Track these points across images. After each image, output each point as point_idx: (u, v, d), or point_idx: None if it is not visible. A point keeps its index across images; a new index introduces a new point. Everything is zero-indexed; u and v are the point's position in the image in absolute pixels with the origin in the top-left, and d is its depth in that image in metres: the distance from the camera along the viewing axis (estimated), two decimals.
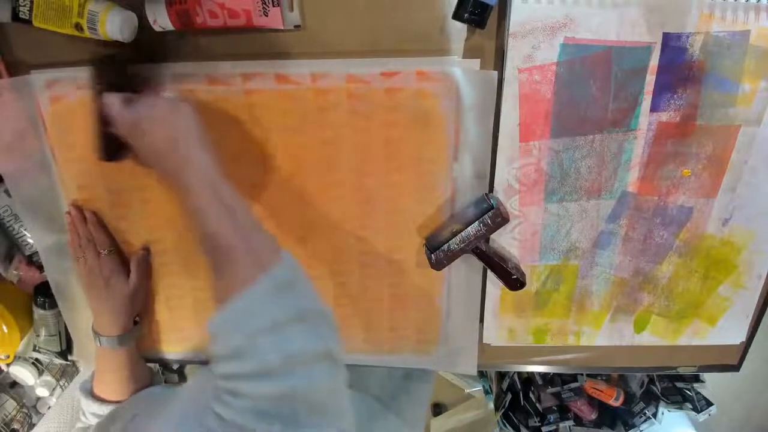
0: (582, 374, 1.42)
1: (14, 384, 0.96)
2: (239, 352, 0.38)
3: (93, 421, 0.63)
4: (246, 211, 0.47)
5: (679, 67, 0.55)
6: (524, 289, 0.64)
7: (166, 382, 1.33)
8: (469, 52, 0.55)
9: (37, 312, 0.73)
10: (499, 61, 0.55)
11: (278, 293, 0.40)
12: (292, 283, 0.42)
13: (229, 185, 0.47)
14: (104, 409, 0.62)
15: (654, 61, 0.54)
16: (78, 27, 0.51)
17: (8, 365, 0.89)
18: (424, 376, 0.85)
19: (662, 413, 1.39)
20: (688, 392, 1.37)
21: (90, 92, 0.53)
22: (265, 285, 0.40)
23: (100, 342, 0.63)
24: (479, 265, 0.64)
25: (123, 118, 0.50)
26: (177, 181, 0.47)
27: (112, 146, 0.54)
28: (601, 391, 1.40)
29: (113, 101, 0.50)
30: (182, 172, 0.46)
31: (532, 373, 1.48)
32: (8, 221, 0.68)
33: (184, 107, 0.50)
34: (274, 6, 0.51)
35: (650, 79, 0.55)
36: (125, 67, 0.55)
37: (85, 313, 0.66)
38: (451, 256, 0.61)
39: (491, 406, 1.49)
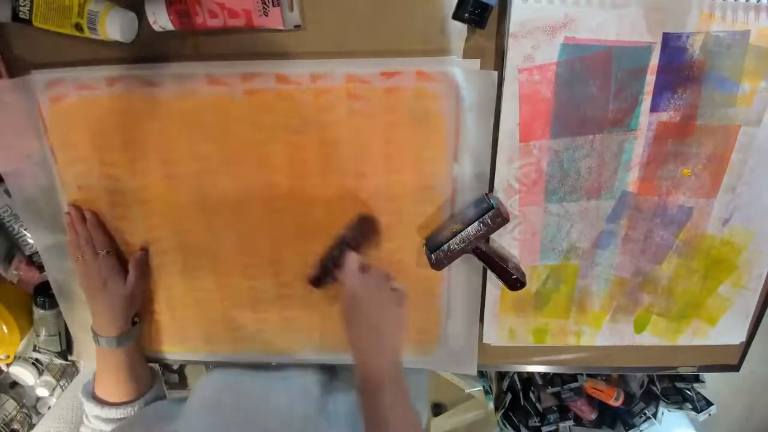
0: (582, 374, 1.42)
1: (14, 384, 0.96)
2: None
3: (96, 424, 0.62)
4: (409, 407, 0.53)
5: (679, 67, 0.55)
6: (524, 289, 0.64)
7: (166, 382, 1.34)
8: (469, 52, 0.55)
9: (37, 312, 0.73)
10: (499, 61, 0.55)
11: None
12: None
13: (404, 383, 0.53)
14: (107, 412, 0.62)
15: (654, 61, 0.54)
16: (78, 27, 0.51)
17: (8, 365, 0.89)
18: (420, 375, 0.85)
19: (662, 413, 1.39)
20: (688, 392, 1.37)
21: (340, 234, 0.62)
22: None
23: (98, 342, 0.63)
24: (479, 265, 0.64)
25: (352, 278, 0.57)
26: (364, 365, 0.54)
27: (324, 277, 0.63)
28: (601, 391, 1.40)
29: (354, 261, 0.58)
30: (372, 361, 0.53)
31: (532, 373, 1.49)
32: (8, 221, 0.68)
33: (403, 309, 0.57)
34: (274, 6, 0.51)
35: (650, 79, 0.55)
36: (378, 233, 0.63)
37: (86, 312, 0.66)
38: (451, 256, 0.61)
39: (491, 406, 1.49)
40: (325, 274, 0.63)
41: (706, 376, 1.36)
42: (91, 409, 0.63)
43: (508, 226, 0.61)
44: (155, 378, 0.69)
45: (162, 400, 0.67)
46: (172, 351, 0.74)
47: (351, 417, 0.64)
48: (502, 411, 1.52)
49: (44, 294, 0.72)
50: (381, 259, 0.65)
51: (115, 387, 0.64)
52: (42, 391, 0.93)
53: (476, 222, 0.59)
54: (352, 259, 0.59)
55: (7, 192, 0.65)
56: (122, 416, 0.62)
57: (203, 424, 0.57)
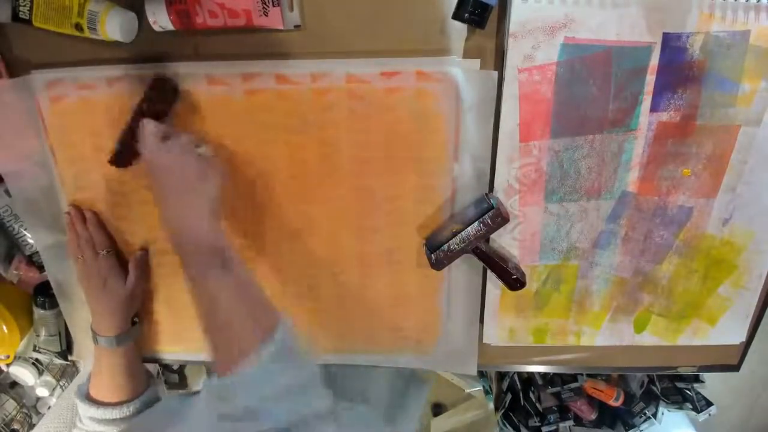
0: (582, 374, 1.42)
1: (14, 384, 0.97)
2: (250, 413, 0.41)
3: (90, 426, 0.62)
4: (248, 278, 0.49)
5: (679, 67, 0.55)
6: (524, 289, 0.64)
7: (166, 382, 1.33)
8: (469, 52, 0.55)
9: (37, 312, 0.73)
10: (499, 61, 0.55)
11: (281, 360, 0.44)
12: (293, 349, 0.45)
13: (233, 252, 0.50)
14: (102, 413, 0.62)
15: (654, 61, 0.54)
16: (78, 27, 0.51)
17: (8, 365, 0.89)
18: (421, 391, 0.85)
19: (662, 413, 1.39)
20: (688, 392, 1.37)
21: (135, 104, 0.55)
22: (269, 352, 0.43)
23: (97, 342, 0.63)
24: (479, 265, 0.64)
25: (153, 151, 0.51)
26: (175, 236, 0.51)
27: (126, 156, 0.57)
28: (601, 391, 1.40)
29: (153, 131, 0.52)
30: (184, 233, 0.50)
31: (532, 373, 1.49)
32: (8, 221, 0.68)
33: (213, 173, 0.53)
34: (274, 6, 0.51)
35: (650, 79, 0.55)
36: (177, 95, 0.57)
37: (86, 312, 0.66)
38: (451, 256, 0.61)
39: (491, 406, 1.49)
40: (125, 151, 0.56)
41: (706, 376, 1.36)
42: (85, 410, 0.62)
43: (508, 226, 0.61)
44: (151, 379, 0.69)
45: (166, 402, 0.67)
46: (172, 351, 0.74)
47: (357, 418, 0.64)
48: (502, 411, 1.53)
49: (44, 294, 0.72)
50: (381, 258, 0.65)
51: (111, 387, 0.63)
52: (42, 391, 0.93)
53: (476, 222, 0.59)
54: (149, 128, 0.52)
55: (7, 192, 0.65)
56: (117, 417, 0.62)
57: (210, 427, 0.56)
